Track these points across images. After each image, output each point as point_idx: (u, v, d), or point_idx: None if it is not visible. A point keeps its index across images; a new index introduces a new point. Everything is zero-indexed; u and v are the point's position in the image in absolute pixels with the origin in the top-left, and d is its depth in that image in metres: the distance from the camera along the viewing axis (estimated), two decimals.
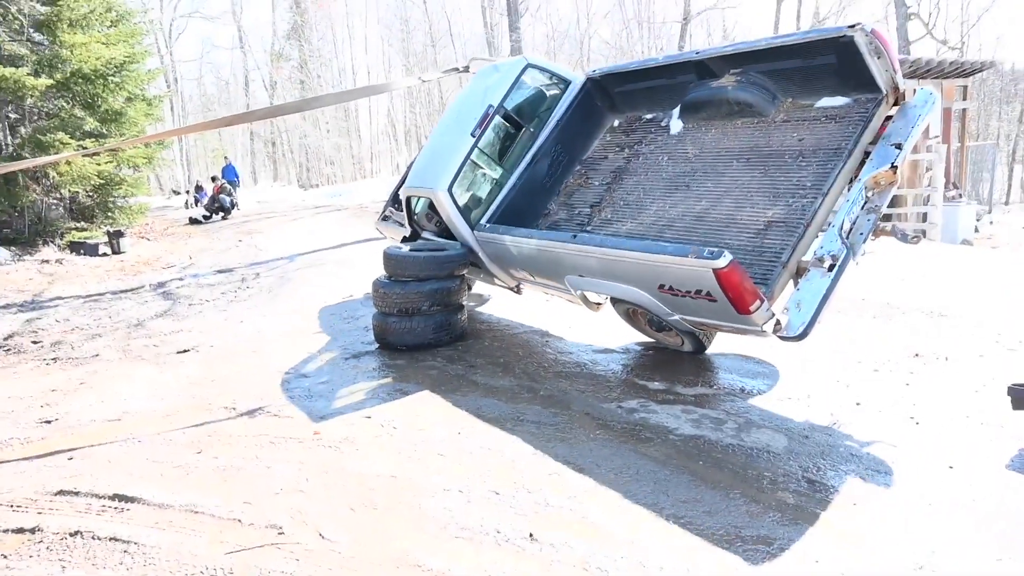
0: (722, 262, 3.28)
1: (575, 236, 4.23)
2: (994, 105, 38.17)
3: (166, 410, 4.34)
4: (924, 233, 12.46)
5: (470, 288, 6.83)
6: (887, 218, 12.78)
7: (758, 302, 3.38)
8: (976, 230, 15.25)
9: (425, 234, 5.98)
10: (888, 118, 3.85)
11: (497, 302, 6.75)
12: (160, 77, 21.69)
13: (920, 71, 14.19)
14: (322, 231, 12.59)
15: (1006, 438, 3.34)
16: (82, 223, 12.67)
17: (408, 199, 5.96)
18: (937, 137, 14.87)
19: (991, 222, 17.39)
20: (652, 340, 4.99)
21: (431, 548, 2.63)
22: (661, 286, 3.70)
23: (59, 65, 11.72)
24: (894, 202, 14.22)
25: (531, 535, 2.66)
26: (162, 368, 5.32)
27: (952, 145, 15.82)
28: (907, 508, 2.76)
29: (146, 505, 3.07)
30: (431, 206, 5.54)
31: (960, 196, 15.37)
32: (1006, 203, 27.41)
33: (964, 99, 16.47)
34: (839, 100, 4.03)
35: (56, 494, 3.22)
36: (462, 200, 5.37)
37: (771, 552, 2.49)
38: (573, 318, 5.80)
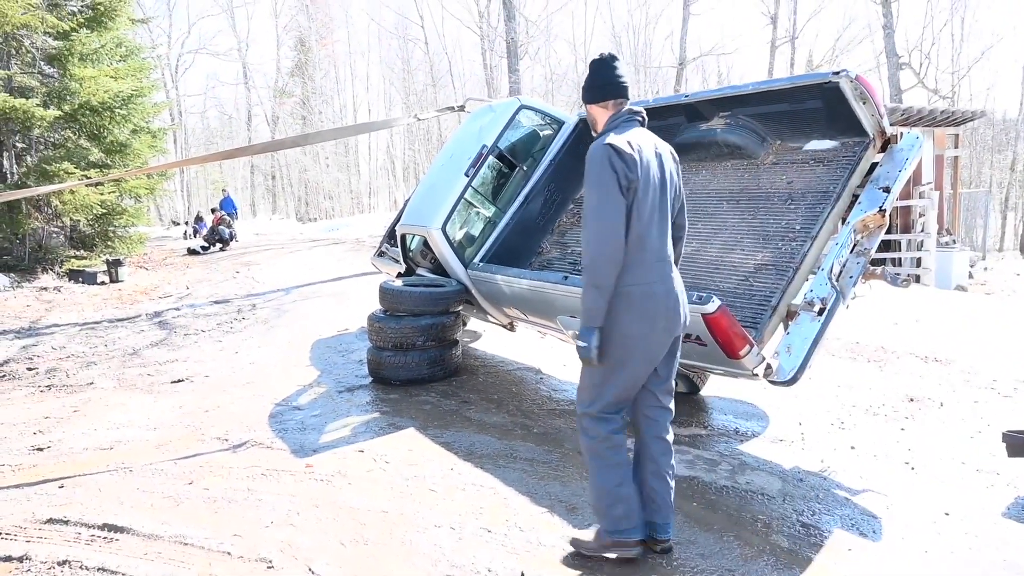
0: (711, 307, 3.27)
1: (567, 278, 4.23)
2: (986, 153, 38.83)
3: (159, 440, 4.31)
4: (918, 278, 12.55)
5: (465, 324, 6.85)
6: (879, 262, 12.90)
7: (748, 347, 3.37)
8: (970, 276, 15.36)
9: (419, 270, 6.02)
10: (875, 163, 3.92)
11: (491, 339, 6.76)
12: (165, 111, 22.04)
13: (912, 119, 14.48)
14: (319, 264, 12.64)
15: (1002, 485, 3.34)
16: (82, 251, 12.71)
17: (403, 236, 6.02)
18: (930, 184, 15.12)
19: (985, 268, 17.54)
20: None
21: None
22: None
23: (68, 97, 11.91)
24: (889, 247, 14.37)
25: (522, 574, 2.64)
26: (156, 397, 5.30)
27: (945, 192, 16.07)
28: (903, 555, 2.75)
29: (135, 535, 3.04)
30: (425, 243, 5.60)
31: (954, 242, 15.53)
32: (1000, 250, 27.68)
33: (956, 147, 16.77)
34: (827, 143, 4.09)
35: (45, 522, 3.18)
36: (456, 238, 5.42)
37: None
38: (567, 356, 5.81)
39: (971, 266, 16.07)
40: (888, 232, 14.59)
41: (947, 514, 3.06)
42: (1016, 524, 2.98)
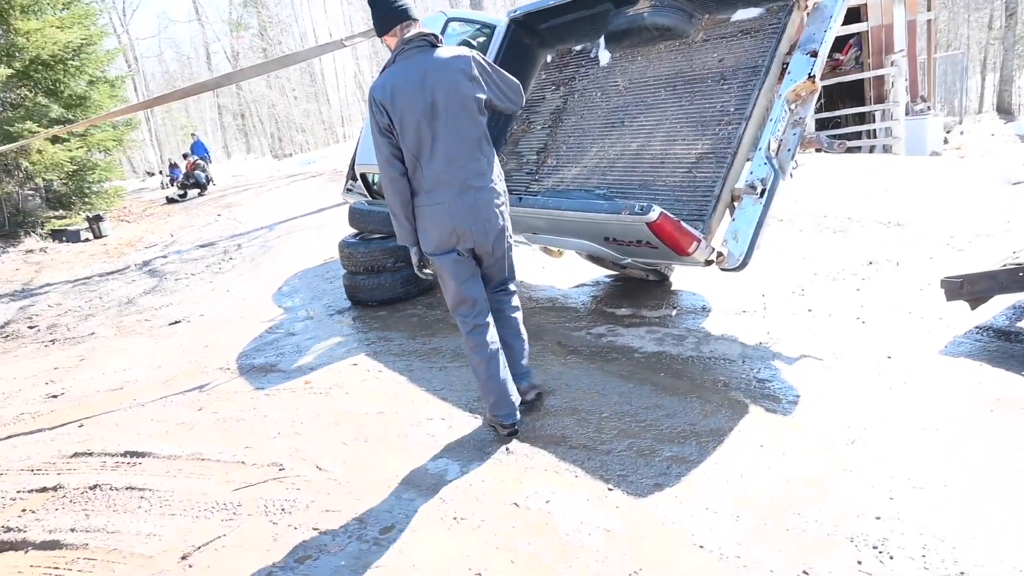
0: (653, 215, 3.29)
1: (520, 199, 4.14)
2: (963, 12, 37.89)
3: (164, 377, 4.58)
4: (890, 148, 12.65)
5: None
6: (856, 136, 12.87)
7: (695, 243, 3.42)
8: (946, 141, 15.46)
9: None
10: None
11: None
12: (119, 57, 21.24)
13: None
14: (299, 199, 12.67)
15: (942, 328, 3.63)
16: (60, 211, 12.67)
17: (363, 175, 6.06)
18: (902, 51, 14.94)
19: (961, 132, 17.61)
20: (619, 273, 5.21)
21: (418, 467, 2.91)
22: (607, 238, 3.79)
23: (16, 53, 11.56)
24: (864, 119, 14.34)
25: (507, 449, 2.94)
26: (156, 339, 5.54)
27: (920, 57, 15.89)
28: (845, 395, 3.05)
29: (156, 458, 3.34)
30: None
31: (928, 108, 15.52)
32: (979, 111, 27.55)
33: (929, 10, 16.46)
34: (753, 11, 3.96)
35: (72, 456, 3.47)
36: None
37: (720, 441, 2.78)
38: (544, 259, 6.02)
39: (947, 131, 16.13)
40: (862, 104, 14.56)
41: (889, 357, 3.35)
42: (951, 359, 3.28)
